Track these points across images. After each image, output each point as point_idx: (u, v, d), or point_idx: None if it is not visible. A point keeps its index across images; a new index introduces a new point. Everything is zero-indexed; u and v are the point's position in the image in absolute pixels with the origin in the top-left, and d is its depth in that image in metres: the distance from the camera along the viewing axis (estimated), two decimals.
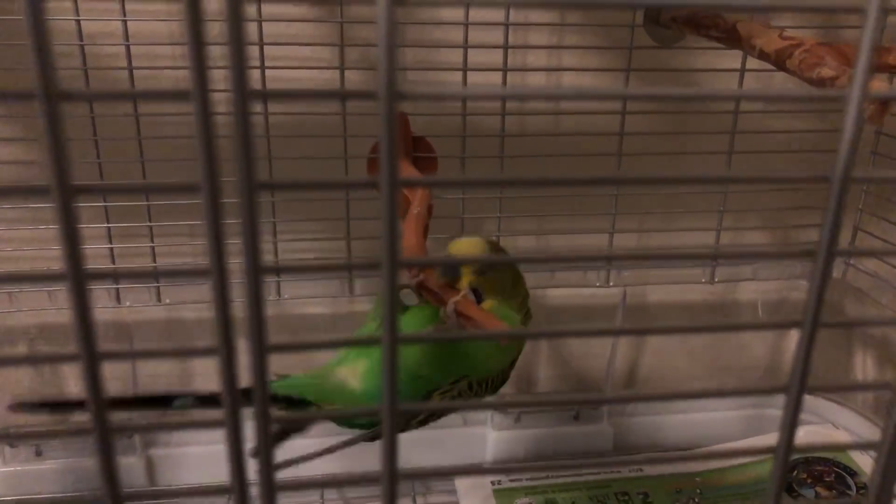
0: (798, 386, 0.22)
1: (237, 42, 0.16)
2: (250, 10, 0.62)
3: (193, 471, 0.73)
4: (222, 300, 0.19)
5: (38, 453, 0.72)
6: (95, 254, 0.67)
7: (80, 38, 0.62)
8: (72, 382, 0.75)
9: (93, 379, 0.20)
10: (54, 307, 0.68)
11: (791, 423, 0.22)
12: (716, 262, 0.72)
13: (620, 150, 0.70)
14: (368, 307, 0.76)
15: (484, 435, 0.78)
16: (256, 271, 0.19)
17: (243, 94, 0.17)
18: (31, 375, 0.74)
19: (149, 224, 0.66)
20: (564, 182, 0.22)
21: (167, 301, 0.69)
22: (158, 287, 0.68)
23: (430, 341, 0.20)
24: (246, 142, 0.18)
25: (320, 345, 0.20)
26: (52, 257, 0.69)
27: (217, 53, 0.17)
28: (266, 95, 0.18)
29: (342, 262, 0.24)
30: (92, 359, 0.20)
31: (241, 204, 0.18)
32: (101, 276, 0.19)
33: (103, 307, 0.68)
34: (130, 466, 0.71)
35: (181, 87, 0.18)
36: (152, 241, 0.67)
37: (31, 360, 0.20)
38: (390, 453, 0.20)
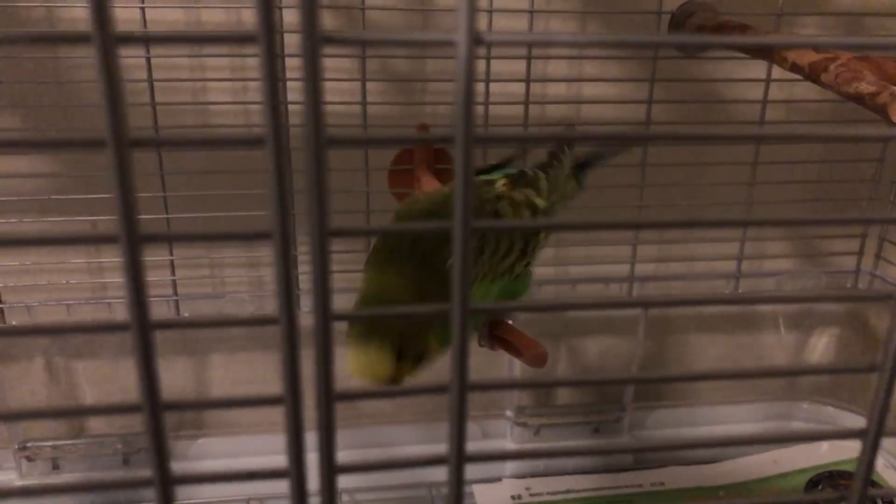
0: (875, 431, 0.21)
1: (313, 94, 0.16)
2: None
3: (213, 485, 0.72)
4: (291, 349, 0.19)
5: (56, 467, 0.72)
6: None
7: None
8: (87, 391, 0.74)
9: (156, 429, 0.19)
10: (72, 321, 0.68)
11: (866, 473, 0.22)
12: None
13: (645, 161, 0.69)
14: None
15: (503, 448, 0.77)
16: (327, 318, 0.18)
17: (319, 142, 0.17)
18: (48, 386, 0.74)
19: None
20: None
21: (186, 314, 0.69)
22: (177, 301, 0.68)
23: (496, 389, 0.19)
24: (320, 190, 0.17)
25: (386, 394, 0.20)
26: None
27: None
28: (333, 141, 0.17)
29: (410, 308, 0.24)
30: (154, 408, 0.19)
31: (313, 251, 0.18)
32: (165, 325, 0.19)
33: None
34: None
35: (254, 132, 0.17)
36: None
37: (87, 410, 0.19)
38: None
